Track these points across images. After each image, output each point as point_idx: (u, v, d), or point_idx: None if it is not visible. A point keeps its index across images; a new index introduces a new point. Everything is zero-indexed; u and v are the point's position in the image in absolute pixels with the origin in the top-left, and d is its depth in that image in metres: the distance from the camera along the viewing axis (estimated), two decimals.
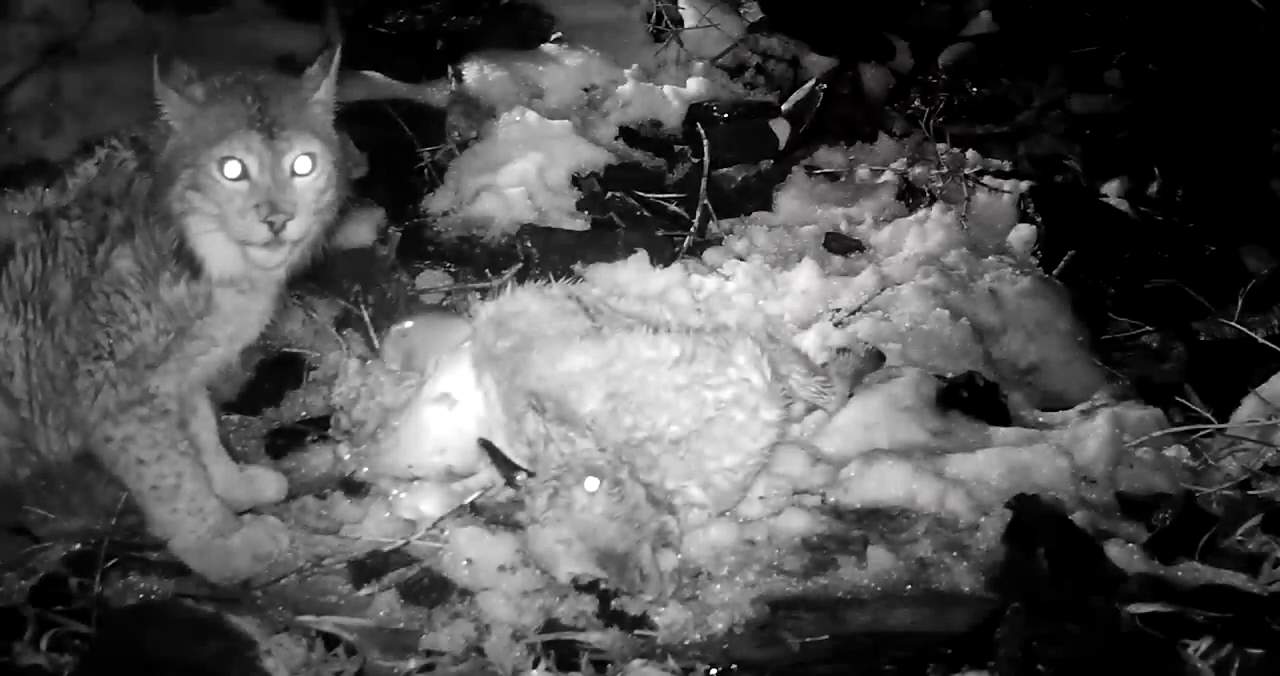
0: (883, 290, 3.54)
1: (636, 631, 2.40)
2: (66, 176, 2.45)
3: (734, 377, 2.59)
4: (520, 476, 2.53)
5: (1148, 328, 3.75)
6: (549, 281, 2.99)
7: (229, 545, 2.55)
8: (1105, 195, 4.28)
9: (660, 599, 2.43)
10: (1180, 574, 2.58)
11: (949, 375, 3.22)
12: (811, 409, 2.96)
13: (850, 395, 3.00)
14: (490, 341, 2.79)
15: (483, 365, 2.80)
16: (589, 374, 2.61)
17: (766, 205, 4.11)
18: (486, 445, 2.62)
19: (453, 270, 3.74)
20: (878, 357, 3.16)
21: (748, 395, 2.58)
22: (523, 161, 3.94)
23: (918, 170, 4.30)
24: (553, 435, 2.52)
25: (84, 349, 2.40)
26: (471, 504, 2.73)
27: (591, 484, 2.41)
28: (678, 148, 4.27)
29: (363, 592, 2.53)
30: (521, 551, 2.55)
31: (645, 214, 3.93)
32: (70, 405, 2.43)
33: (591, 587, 2.47)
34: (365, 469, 2.89)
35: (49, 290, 2.38)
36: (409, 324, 3.29)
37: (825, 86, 4.48)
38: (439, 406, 2.84)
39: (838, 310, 3.47)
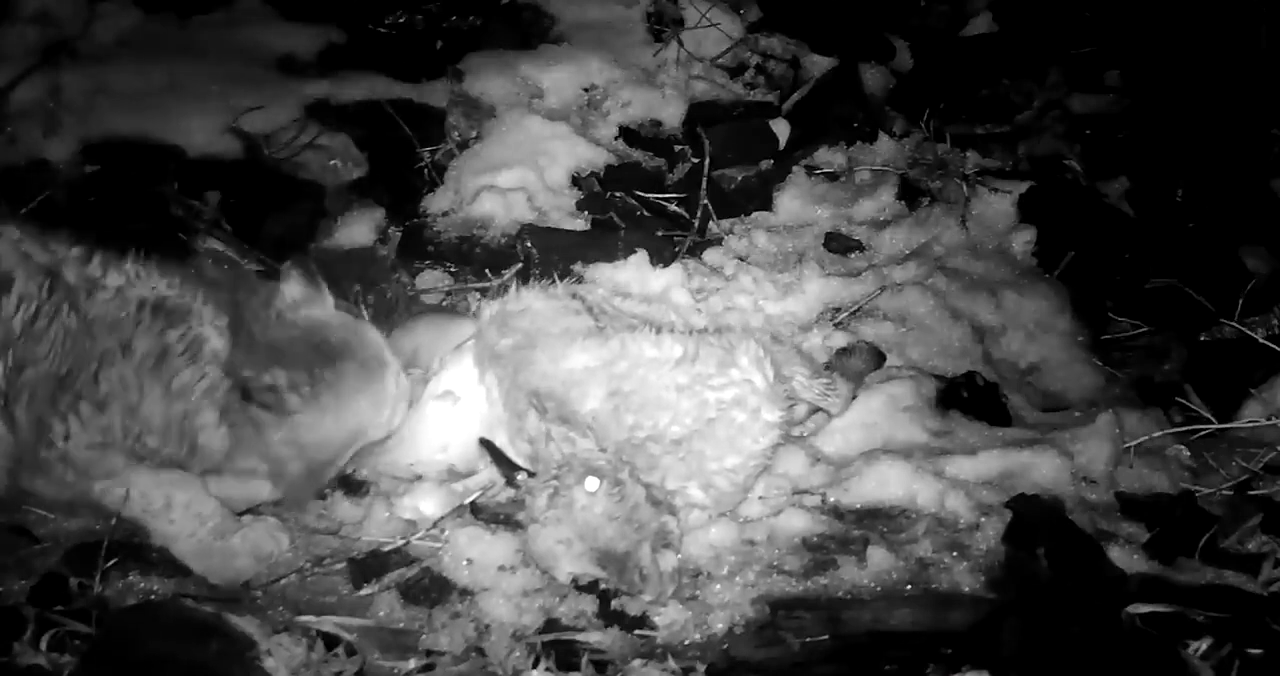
0: (883, 290, 3.53)
1: (636, 631, 2.40)
2: (98, 254, 2.47)
3: (736, 378, 2.58)
4: (521, 476, 2.53)
5: (1148, 327, 3.75)
6: (549, 281, 2.99)
7: (230, 546, 2.55)
8: (1106, 195, 4.27)
9: (660, 599, 2.43)
10: (1180, 574, 2.58)
11: (949, 375, 3.22)
12: (814, 410, 2.96)
13: (854, 396, 3.00)
14: (493, 339, 2.79)
15: (485, 363, 2.79)
16: (591, 373, 2.61)
17: (766, 205, 4.10)
18: (487, 444, 2.62)
19: (453, 270, 3.73)
20: (878, 357, 3.16)
21: (750, 396, 2.57)
22: (523, 161, 3.93)
23: (918, 170, 4.29)
24: (554, 434, 2.52)
25: (58, 432, 2.41)
26: (471, 504, 2.73)
27: (592, 484, 2.41)
28: (678, 148, 4.26)
29: (363, 592, 2.53)
30: (521, 551, 2.55)
31: (645, 214, 3.92)
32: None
33: (591, 587, 2.48)
34: (365, 469, 2.89)
35: (30, 348, 2.35)
36: (411, 323, 3.28)
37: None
38: (441, 404, 2.84)
39: (838, 310, 3.47)
